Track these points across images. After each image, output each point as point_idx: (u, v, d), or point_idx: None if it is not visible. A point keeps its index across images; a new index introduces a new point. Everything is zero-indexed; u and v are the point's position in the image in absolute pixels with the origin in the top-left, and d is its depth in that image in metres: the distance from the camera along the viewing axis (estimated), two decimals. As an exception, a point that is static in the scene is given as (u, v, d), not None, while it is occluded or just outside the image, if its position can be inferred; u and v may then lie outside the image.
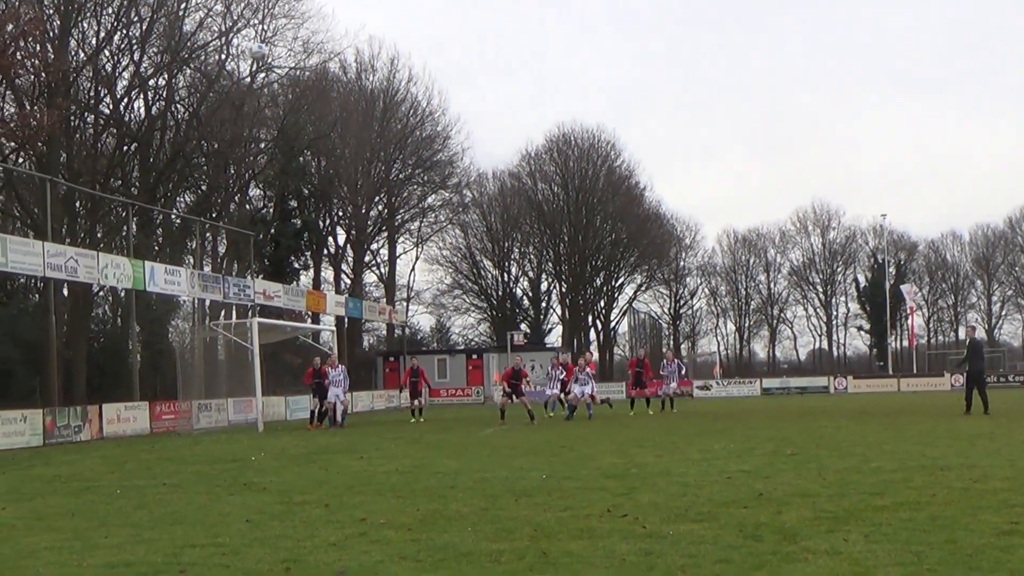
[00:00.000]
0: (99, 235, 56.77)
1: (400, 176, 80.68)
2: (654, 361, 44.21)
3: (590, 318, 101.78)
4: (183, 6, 57.34)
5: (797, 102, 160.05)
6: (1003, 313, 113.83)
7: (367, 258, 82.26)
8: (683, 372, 42.50)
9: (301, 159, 71.60)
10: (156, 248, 56.86)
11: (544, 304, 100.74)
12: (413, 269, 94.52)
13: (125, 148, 59.62)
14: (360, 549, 10.36)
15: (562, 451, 22.01)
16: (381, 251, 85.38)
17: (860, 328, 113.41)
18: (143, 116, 60.11)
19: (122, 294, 50.88)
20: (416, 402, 41.20)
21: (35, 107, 49.99)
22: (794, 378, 77.58)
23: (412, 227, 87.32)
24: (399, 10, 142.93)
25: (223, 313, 54.12)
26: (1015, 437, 22.43)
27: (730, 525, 11.13)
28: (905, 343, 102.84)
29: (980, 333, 44.60)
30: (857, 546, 9.72)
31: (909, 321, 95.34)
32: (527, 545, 10.26)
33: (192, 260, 58.31)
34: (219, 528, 12.07)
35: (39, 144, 48.87)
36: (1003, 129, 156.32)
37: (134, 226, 46.80)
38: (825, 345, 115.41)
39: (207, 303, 49.53)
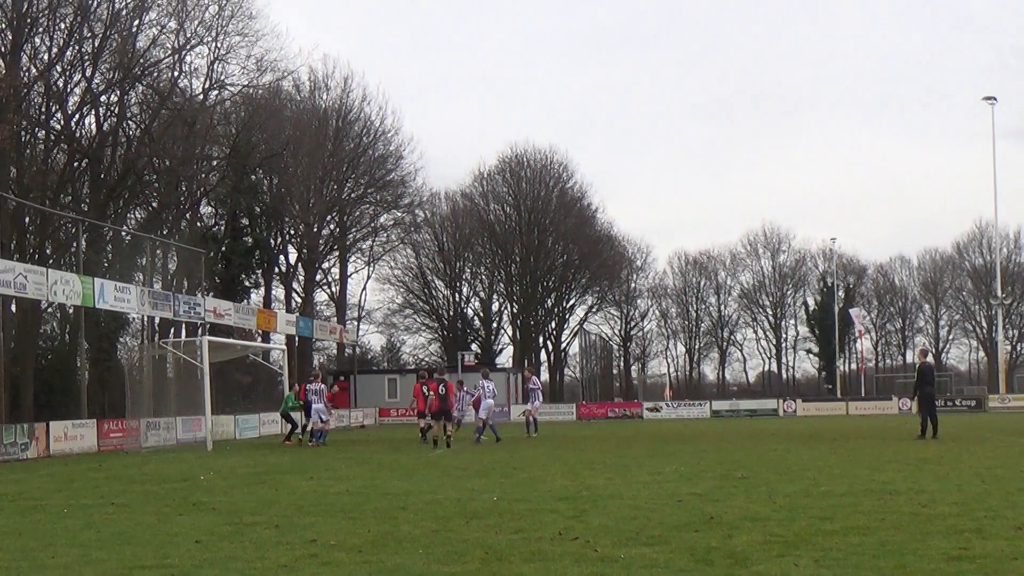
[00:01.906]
0: (48, 251, 56.31)
1: (352, 195, 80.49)
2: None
3: (541, 339, 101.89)
4: (136, 23, 57.10)
5: (748, 125, 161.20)
6: (950, 337, 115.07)
7: (318, 277, 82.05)
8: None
9: (253, 177, 71.29)
10: (106, 265, 56.42)
11: (495, 324, 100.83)
12: (364, 288, 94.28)
13: (76, 164, 59.22)
14: (311, 571, 10.33)
15: (513, 472, 22.01)
16: (332, 270, 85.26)
17: (809, 351, 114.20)
18: (94, 132, 59.73)
19: (71, 311, 50.51)
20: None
21: (-15, 122, 49.61)
22: (744, 400, 77.93)
23: (364, 246, 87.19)
24: (353, 29, 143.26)
25: (172, 331, 53.84)
26: (963, 462, 22.60)
27: (681, 549, 11.17)
28: (854, 366, 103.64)
29: (930, 358, 44.91)
30: (807, 571, 9.77)
31: (858, 344, 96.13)
32: (478, 568, 10.26)
33: (142, 277, 57.95)
34: (168, 549, 11.99)
35: (-11, 159, 48.51)
36: (951, 153, 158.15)
37: (84, 242, 46.41)
38: (774, 367, 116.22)
39: (157, 321, 49.27)
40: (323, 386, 39.04)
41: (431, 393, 33.26)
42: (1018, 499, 15.29)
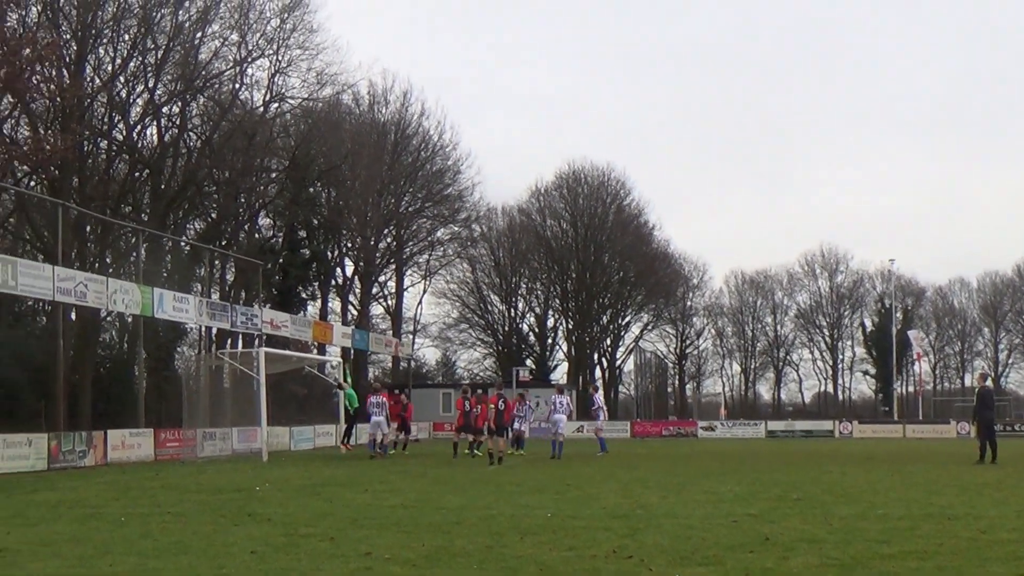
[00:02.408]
0: (108, 260, 56.85)
1: (410, 209, 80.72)
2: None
3: (596, 355, 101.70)
4: (199, 35, 57.61)
5: (807, 145, 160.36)
6: (1010, 361, 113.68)
7: (374, 290, 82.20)
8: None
9: (312, 190, 71.73)
10: (165, 275, 56.92)
11: (550, 340, 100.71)
12: (420, 302, 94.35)
13: (137, 174, 59.81)
14: (365, 584, 10.34)
15: (567, 489, 21.97)
16: (389, 283, 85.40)
17: (866, 373, 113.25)
18: (156, 143, 60.30)
19: (130, 320, 50.90)
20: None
21: (49, 131, 50.16)
22: (799, 421, 77.42)
23: (420, 260, 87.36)
24: (413, 45, 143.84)
25: (229, 341, 54.16)
26: (1023, 487, 22.35)
27: (736, 570, 11.11)
28: (911, 389, 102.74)
29: (990, 382, 44.40)
30: (864, 595, 9.69)
31: (915, 367, 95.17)
32: (533, 585, 10.24)
33: (200, 288, 58.39)
34: (223, 559, 12.06)
35: (52, 168, 49.00)
36: (1013, 175, 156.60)
37: (144, 252, 46.79)
38: (830, 388, 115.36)
39: (214, 331, 49.57)
40: (383, 399, 39.02)
41: (490, 408, 33.39)
42: (1079, 526, 15.08)
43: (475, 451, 37.33)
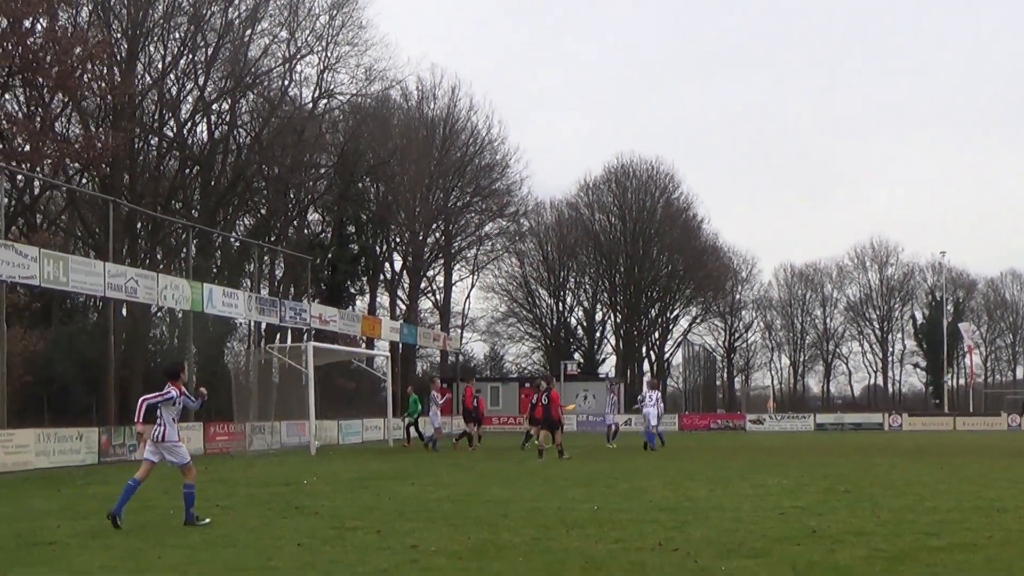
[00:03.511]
0: (159, 256, 57.23)
1: (458, 204, 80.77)
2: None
3: (644, 349, 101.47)
4: (248, 33, 57.90)
5: (857, 137, 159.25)
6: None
7: (423, 284, 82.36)
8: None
9: (360, 185, 71.90)
10: (214, 270, 57.25)
11: (598, 334, 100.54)
12: (468, 296, 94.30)
13: (187, 171, 60.20)
14: (411, 576, 10.39)
15: (614, 483, 21.96)
16: (437, 278, 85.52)
17: (916, 365, 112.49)
18: (206, 140, 60.67)
19: (180, 315, 51.22)
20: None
21: (100, 129, 50.59)
22: (848, 414, 76.96)
23: (468, 255, 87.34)
24: (461, 40, 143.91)
25: (279, 336, 54.42)
26: (1073, 480, 22.16)
27: (783, 562, 11.09)
28: (962, 381, 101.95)
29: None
30: (911, 587, 9.65)
31: (967, 359, 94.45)
32: (578, 577, 10.26)
33: (250, 283, 58.65)
34: (271, 552, 12.15)
35: (103, 166, 49.36)
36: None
37: (194, 248, 47.07)
38: (880, 381, 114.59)
39: (263, 326, 49.79)
40: (436, 395, 40.31)
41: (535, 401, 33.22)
42: None
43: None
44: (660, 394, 40.23)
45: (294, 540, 13.07)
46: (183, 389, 15.72)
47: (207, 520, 15.10)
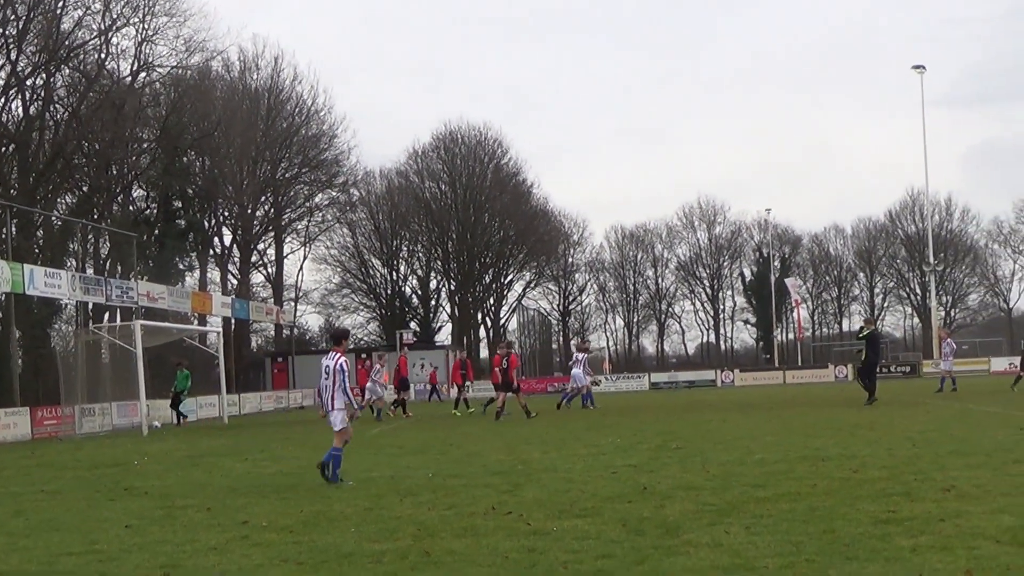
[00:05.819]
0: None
1: (286, 175, 79.93)
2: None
3: (480, 315, 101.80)
4: (60, 4, 56.35)
5: (681, 98, 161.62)
6: (885, 304, 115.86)
7: (254, 258, 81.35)
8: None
9: (185, 159, 70.68)
10: (37, 251, 55.76)
11: (433, 302, 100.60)
12: (301, 269, 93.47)
13: (3, 149, 58.43)
14: (241, 552, 10.25)
15: (450, 449, 22.00)
16: (268, 251, 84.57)
17: (746, 322, 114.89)
18: (21, 116, 59.00)
19: (1, 298, 49.92)
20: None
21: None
22: (682, 372, 78.33)
23: (299, 226, 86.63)
24: (282, 9, 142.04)
25: (107, 316, 53.27)
26: (895, 427, 22.83)
27: (613, 520, 11.19)
28: (791, 336, 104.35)
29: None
30: (738, 538, 9.81)
31: (794, 314, 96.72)
32: (410, 544, 10.22)
33: (74, 262, 57.34)
34: (97, 534, 11.87)
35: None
36: (882, 123, 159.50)
37: (13, 228, 45.81)
38: (713, 339, 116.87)
39: (90, 306, 48.75)
40: (379, 367, 40.64)
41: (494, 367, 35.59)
42: (947, 462, 15.44)
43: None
44: (587, 356, 42.24)
45: (122, 522, 12.79)
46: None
47: (350, 482, 15.60)
